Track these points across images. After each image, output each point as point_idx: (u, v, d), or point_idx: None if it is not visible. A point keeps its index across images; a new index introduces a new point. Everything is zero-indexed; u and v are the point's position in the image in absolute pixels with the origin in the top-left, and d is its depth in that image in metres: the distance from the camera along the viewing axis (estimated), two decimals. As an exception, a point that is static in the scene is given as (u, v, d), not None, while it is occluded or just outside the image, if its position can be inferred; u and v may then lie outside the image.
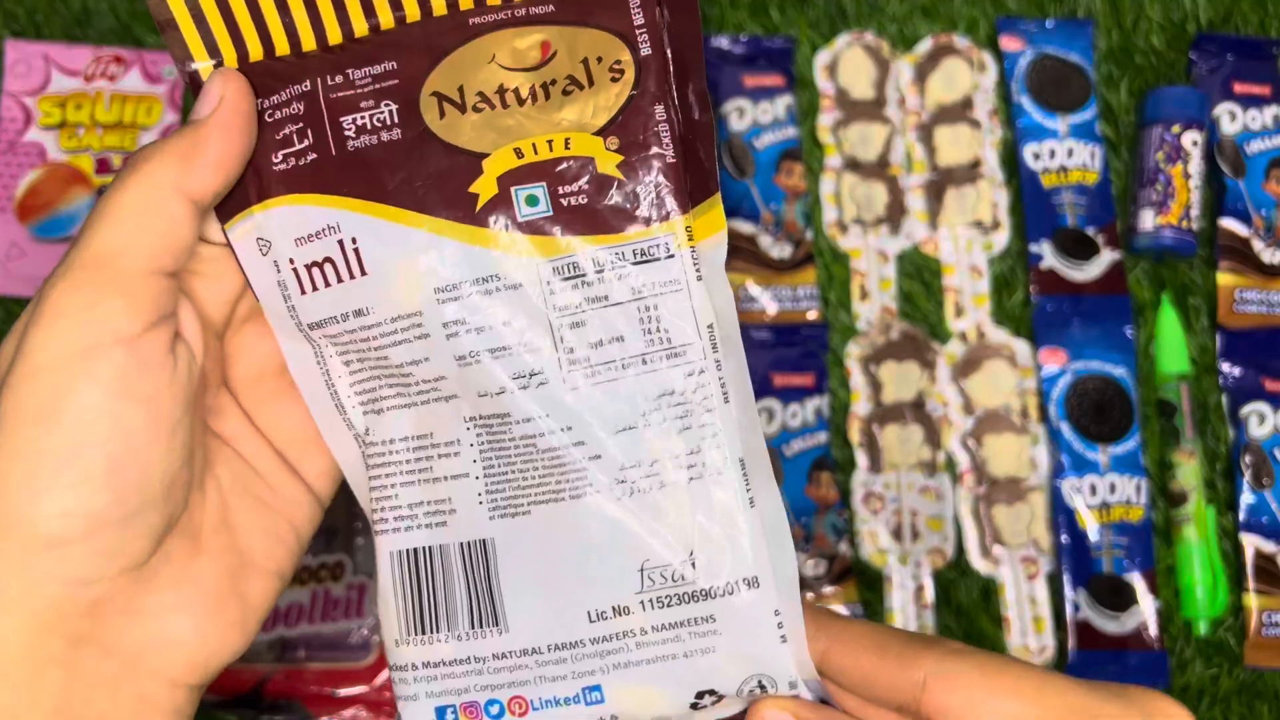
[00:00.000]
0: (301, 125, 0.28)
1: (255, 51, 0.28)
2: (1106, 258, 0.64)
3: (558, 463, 0.28)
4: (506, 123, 0.27)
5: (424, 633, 0.29)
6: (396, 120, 0.28)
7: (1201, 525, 0.60)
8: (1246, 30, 0.68)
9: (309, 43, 0.28)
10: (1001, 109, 0.67)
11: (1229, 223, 0.64)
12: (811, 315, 0.63)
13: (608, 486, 0.28)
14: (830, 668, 0.29)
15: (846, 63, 0.67)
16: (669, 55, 0.28)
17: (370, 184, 0.27)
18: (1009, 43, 0.67)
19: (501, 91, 0.27)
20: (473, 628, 0.29)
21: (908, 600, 0.59)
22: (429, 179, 0.27)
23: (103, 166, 0.65)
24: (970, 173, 0.66)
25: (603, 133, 0.27)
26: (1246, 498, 0.61)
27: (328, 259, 0.28)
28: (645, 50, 0.28)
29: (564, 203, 0.27)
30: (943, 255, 0.65)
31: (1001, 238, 0.65)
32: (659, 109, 0.27)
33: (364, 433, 0.30)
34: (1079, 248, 0.64)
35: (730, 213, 0.64)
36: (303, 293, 0.28)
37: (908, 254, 0.65)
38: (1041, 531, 0.60)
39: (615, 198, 0.27)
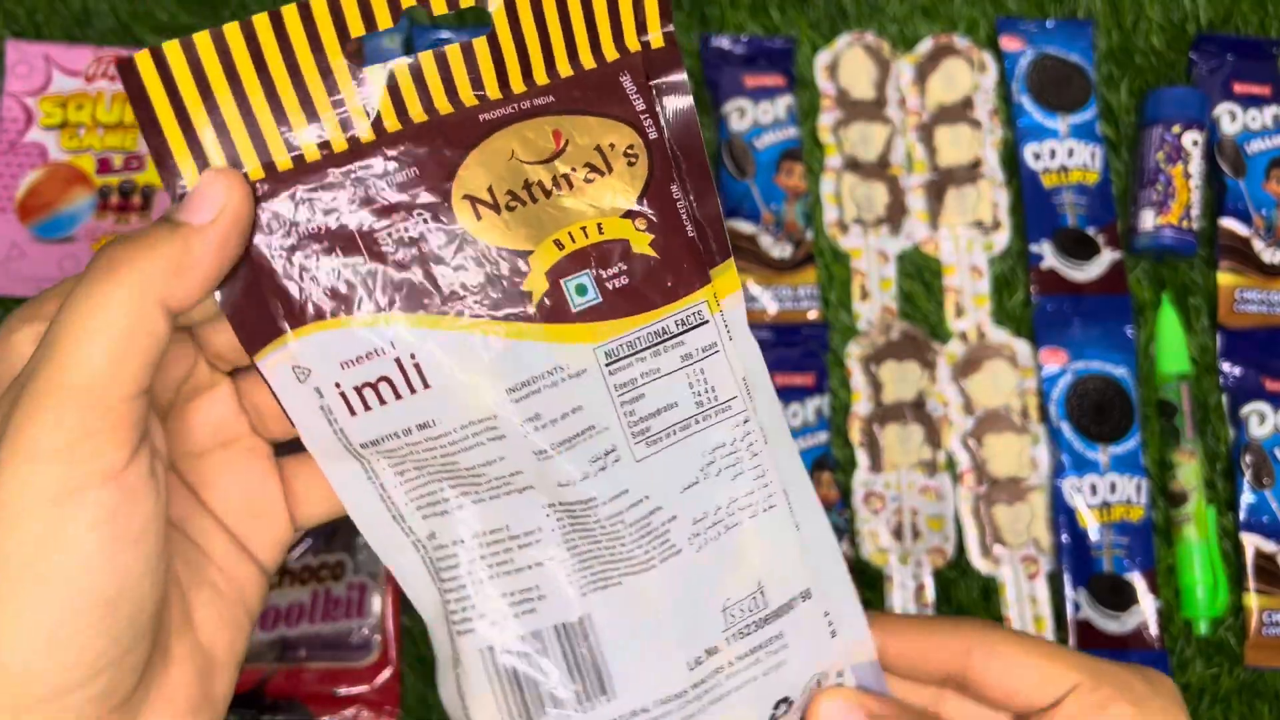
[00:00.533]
0: (329, 243, 0.26)
1: (254, 168, 0.26)
2: (1107, 258, 0.64)
3: (644, 532, 0.29)
4: (540, 216, 0.28)
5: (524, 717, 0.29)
6: (434, 229, 0.27)
7: (1202, 525, 0.60)
8: (1246, 30, 0.68)
9: (311, 154, 0.26)
10: (1002, 109, 0.67)
11: (1229, 223, 0.65)
12: (812, 315, 0.63)
13: (686, 543, 0.29)
14: (884, 656, 0.32)
15: (847, 63, 0.67)
16: (669, 135, 0.29)
17: (420, 296, 0.27)
18: (1009, 43, 0.67)
19: (528, 186, 0.28)
20: (580, 703, 0.29)
21: (908, 600, 0.59)
22: (479, 283, 0.27)
23: (104, 166, 0.65)
24: (971, 173, 0.66)
25: (630, 215, 0.28)
26: (1247, 497, 0.61)
27: (383, 378, 0.27)
28: (652, 134, 0.29)
29: (609, 286, 0.28)
30: (943, 255, 0.65)
31: (1002, 238, 0.65)
32: (673, 188, 0.29)
33: (427, 538, 0.29)
34: (1079, 248, 0.64)
35: (731, 213, 0.64)
36: (352, 414, 0.27)
37: (908, 254, 0.65)
38: (1042, 531, 0.61)
39: (652, 276, 0.29)
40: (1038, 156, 0.65)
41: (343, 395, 0.27)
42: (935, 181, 0.65)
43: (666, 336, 0.29)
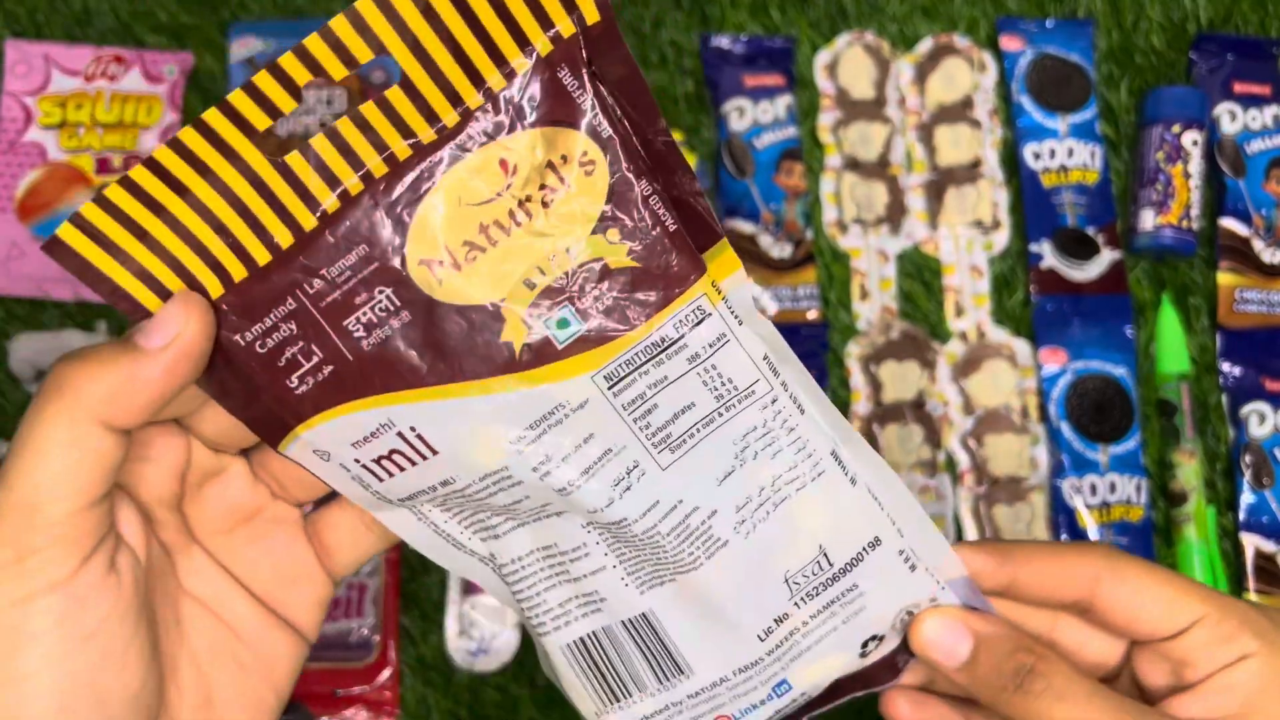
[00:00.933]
0: (303, 343, 0.26)
1: (213, 287, 0.26)
2: (1106, 257, 0.64)
3: (684, 536, 0.29)
4: (504, 259, 0.26)
5: (618, 700, 0.32)
6: (398, 303, 0.26)
7: (1201, 525, 0.60)
8: (1246, 30, 0.68)
9: (261, 256, 0.26)
10: (1002, 109, 0.67)
11: (1229, 222, 0.64)
12: (812, 315, 0.63)
13: (732, 533, 0.29)
14: (1014, 585, 0.32)
15: (847, 62, 0.67)
16: (625, 121, 0.26)
17: (402, 373, 0.26)
18: (1009, 43, 0.67)
19: (483, 229, 0.26)
20: (661, 683, 0.32)
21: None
22: (457, 346, 0.26)
23: (103, 166, 0.65)
24: (970, 172, 0.66)
25: (600, 229, 0.26)
26: (1246, 497, 0.61)
27: (394, 451, 0.27)
28: (606, 132, 0.26)
29: (592, 312, 0.27)
30: (943, 255, 0.65)
31: (1001, 237, 0.65)
32: (642, 183, 0.26)
33: (489, 557, 0.31)
34: (1079, 247, 0.64)
35: (730, 212, 0.64)
36: (380, 480, 0.28)
37: (908, 254, 0.65)
38: (1042, 531, 0.60)
39: (637, 286, 0.27)
40: (1037, 156, 0.65)
41: (365, 468, 0.28)
42: (935, 181, 0.65)
43: (667, 344, 0.27)
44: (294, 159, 0.25)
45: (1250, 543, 0.60)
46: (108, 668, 0.25)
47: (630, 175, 0.26)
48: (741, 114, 0.65)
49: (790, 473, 0.29)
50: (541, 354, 0.26)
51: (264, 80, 0.24)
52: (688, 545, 0.29)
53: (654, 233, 0.26)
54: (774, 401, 0.29)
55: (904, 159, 0.66)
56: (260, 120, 0.24)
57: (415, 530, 0.30)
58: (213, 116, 0.24)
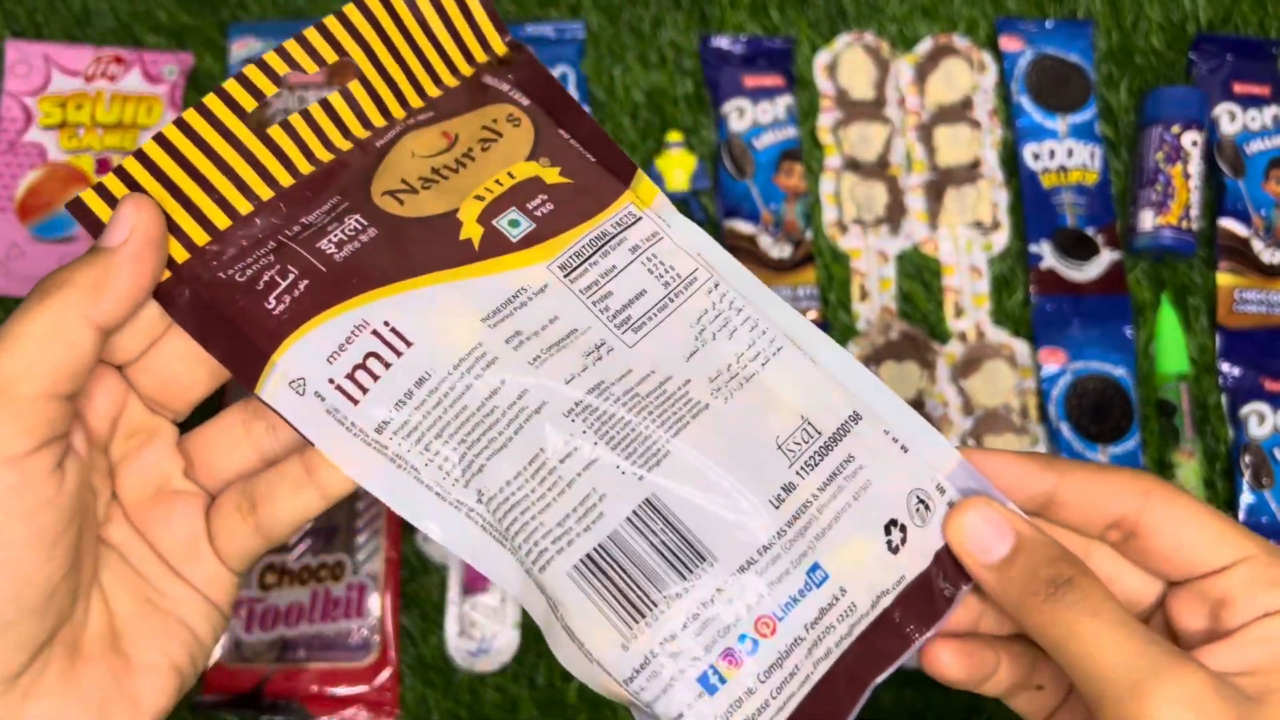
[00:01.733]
0: (281, 266, 0.30)
1: (199, 235, 0.30)
2: (1106, 258, 0.64)
3: (663, 398, 0.30)
4: (454, 186, 0.32)
5: (643, 616, 0.29)
6: (366, 223, 0.31)
7: (1201, 525, 0.60)
8: (1246, 30, 0.68)
9: (244, 206, 0.31)
10: (1001, 109, 0.67)
11: (1228, 223, 0.65)
12: (811, 315, 0.63)
13: (710, 397, 0.31)
14: (1055, 499, 0.31)
15: (846, 63, 0.67)
16: (539, 99, 0.34)
17: (372, 276, 0.30)
18: (1009, 43, 0.67)
19: (435, 171, 0.32)
20: (684, 577, 0.29)
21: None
22: (421, 250, 0.30)
23: (103, 166, 0.65)
24: (970, 173, 0.66)
25: (533, 156, 0.32)
26: (1246, 498, 0.61)
27: (369, 354, 0.29)
28: (525, 101, 0.34)
29: (538, 214, 0.32)
30: (942, 255, 0.65)
31: (1001, 238, 0.65)
32: (561, 132, 0.33)
33: (476, 501, 0.30)
34: (1079, 248, 0.64)
35: (730, 213, 0.64)
36: (355, 403, 0.29)
37: (908, 254, 0.65)
38: (1041, 531, 0.61)
39: (573, 196, 0.32)
40: (1037, 156, 0.65)
41: (339, 388, 0.29)
42: (935, 181, 0.65)
43: (608, 237, 0.32)
44: (275, 131, 0.31)
45: (1250, 543, 0.60)
46: (36, 551, 0.27)
47: (549, 125, 0.33)
48: (741, 114, 0.65)
49: (750, 350, 0.32)
50: (497, 246, 0.31)
51: (251, 72, 0.30)
52: (669, 406, 0.30)
53: (577, 162, 0.33)
54: (716, 286, 0.32)
55: (904, 159, 0.66)
56: (248, 102, 0.30)
57: (396, 485, 0.29)
58: (211, 100, 0.30)
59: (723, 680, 0.28)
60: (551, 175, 0.32)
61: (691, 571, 0.29)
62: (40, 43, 0.67)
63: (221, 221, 0.30)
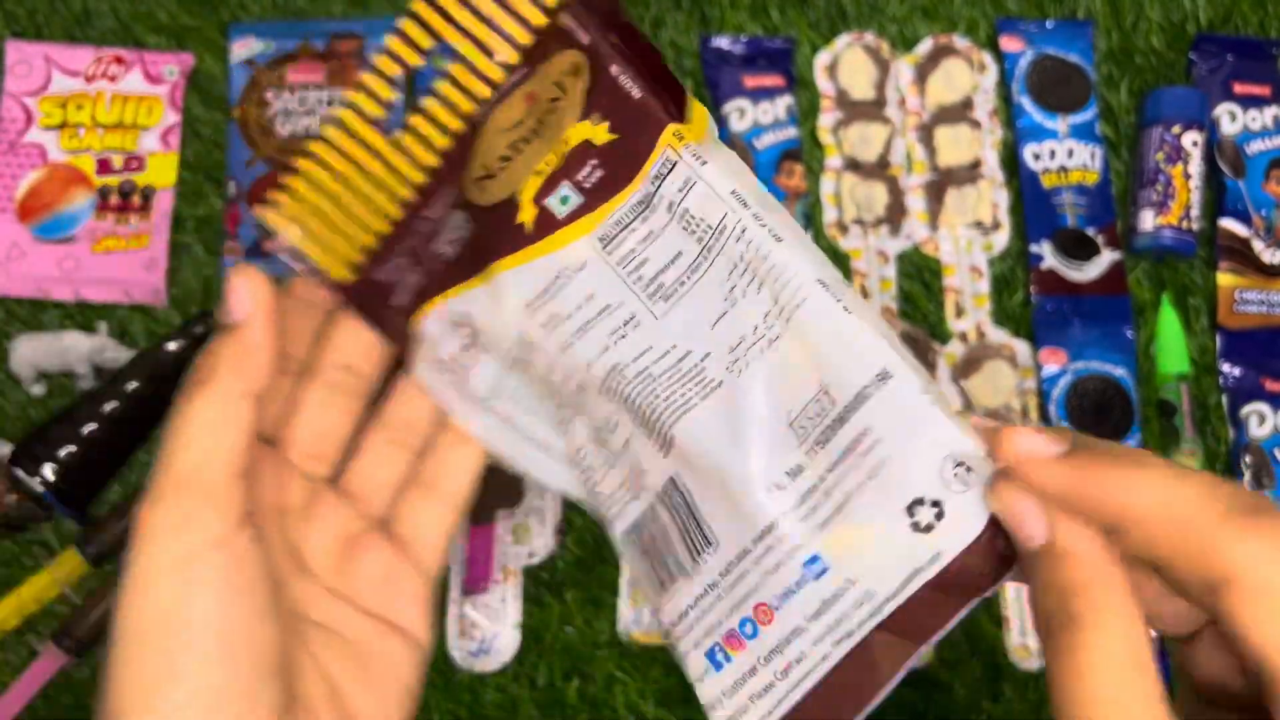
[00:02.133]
0: (413, 261, 0.33)
1: (351, 253, 0.34)
2: (1106, 258, 0.64)
3: (676, 378, 0.31)
4: (523, 161, 0.32)
5: (666, 589, 0.31)
6: (456, 217, 0.33)
7: (1201, 525, 0.60)
8: (1246, 30, 0.68)
9: (395, 213, 0.33)
10: (1001, 109, 0.67)
11: (1229, 223, 0.65)
12: (812, 315, 0.63)
13: (724, 373, 0.30)
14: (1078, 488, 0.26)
15: (847, 63, 0.67)
16: (600, 28, 0.32)
17: (458, 272, 0.33)
18: (1009, 43, 0.67)
19: (514, 145, 0.32)
20: (695, 559, 0.31)
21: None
22: (490, 239, 0.32)
23: (103, 167, 0.65)
24: (970, 173, 0.66)
25: (587, 114, 0.32)
26: (1246, 498, 0.61)
27: (465, 346, 0.33)
28: (585, 40, 0.32)
29: (587, 185, 0.31)
30: (943, 255, 0.65)
31: (1001, 238, 0.65)
32: (614, 67, 0.32)
33: (574, 452, 0.33)
34: (1079, 248, 0.64)
35: (730, 213, 0.64)
36: (467, 382, 0.33)
37: (908, 254, 0.65)
38: (1041, 532, 0.61)
39: (619, 156, 0.31)
40: (1037, 157, 0.65)
41: (450, 369, 0.33)
42: (935, 182, 0.65)
43: (648, 200, 0.31)
44: (393, 142, 0.33)
45: (1250, 543, 0.60)
46: (262, 621, 0.28)
47: (602, 64, 0.32)
48: (742, 115, 0.65)
49: (776, 305, 0.29)
50: (546, 227, 0.31)
51: (379, 67, 0.33)
52: (680, 387, 0.30)
53: (625, 106, 0.31)
54: (744, 231, 0.30)
55: (904, 160, 0.66)
56: (377, 108, 0.33)
57: (508, 440, 0.33)
58: (353, 121, 0.33)
59: (728, 658, 0.30)
60: (601, 135, 0.32)
61: (700, 554, 0.31)
62: (41, 43, 0.67)
63: (376, 232, 0.33)
